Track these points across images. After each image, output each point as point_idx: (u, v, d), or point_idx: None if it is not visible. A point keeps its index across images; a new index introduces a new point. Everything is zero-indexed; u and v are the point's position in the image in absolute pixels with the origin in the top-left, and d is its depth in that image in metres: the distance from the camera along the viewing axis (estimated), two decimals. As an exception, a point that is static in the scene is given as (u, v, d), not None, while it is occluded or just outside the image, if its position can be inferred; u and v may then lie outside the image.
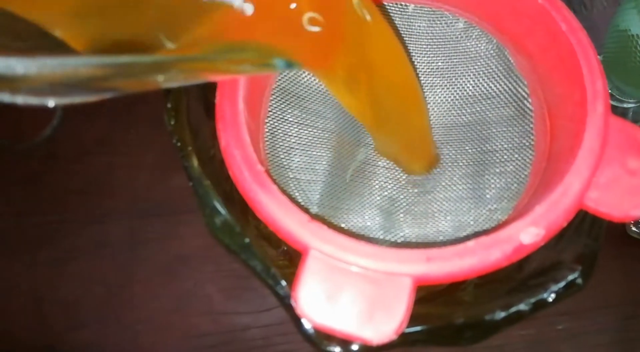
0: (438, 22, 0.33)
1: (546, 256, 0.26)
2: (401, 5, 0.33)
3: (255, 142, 0.27)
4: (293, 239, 0.23)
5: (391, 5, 0.33)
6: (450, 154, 0.34)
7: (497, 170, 0.32)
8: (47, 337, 0.43)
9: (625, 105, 0.48)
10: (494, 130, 0.33)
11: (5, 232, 0.47)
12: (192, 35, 0.19)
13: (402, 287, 0.22)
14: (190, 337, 0.43)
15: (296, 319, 0.24)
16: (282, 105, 0.32)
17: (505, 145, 0.32)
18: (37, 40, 0.17)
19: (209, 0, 0.19)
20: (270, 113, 0.31)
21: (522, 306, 0.25)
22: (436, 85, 0.35)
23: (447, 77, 0.34)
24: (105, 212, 0.47)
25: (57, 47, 0.17)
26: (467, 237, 0.23)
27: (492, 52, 0.32)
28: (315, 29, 0.22)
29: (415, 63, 0.34)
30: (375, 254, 0.22)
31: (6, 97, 0.13)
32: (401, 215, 0.33)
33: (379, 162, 0.35)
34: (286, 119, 0.32)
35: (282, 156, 0.31)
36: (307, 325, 0.25)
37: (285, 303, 0.25)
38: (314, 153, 0.33)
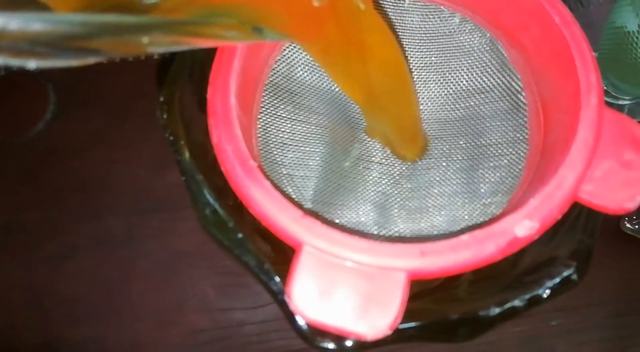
0: (432, 17, 0.33)
1: (541, 252, 0.26)
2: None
3: (248, 138, 0.26)
4: (286, 234, 0.23)
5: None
6: (444, 149, 0.34)
7: (491, 164, 0.32)
8: (46, 333, 0.43)
9: (620, 103, 0.48)
10: (488, 125, 0.33)
11: (4, 228, 0.46)
12: None
13: (397, 282, 0.22)
14: (187, 333, 0.44)
15: (290, 315, 0.24)
16: (275, 101, 0.32)
17: (499, 140, 0.32)
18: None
19: None
20: (263, 109, 0.31)
21: (517, 302, 0.25)
22: (430, 80, 0.35)
23: (441, 71, 0.34)
24: (103, 208, 0.47)
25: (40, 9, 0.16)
26: (462, 232, 0.22)
27: (485, 46, 0.32)
28: (315, 2, 0.22)
29: (409, 58, 0.34)
30: (369, 248, 0.22)
31: None
32: (395, 210, 0.33)
33: (373, 158, 0.35)
34: (279, 115, 0.32)
35: (275, 152, 0.31)
36: (301, 321, 0.24)
37: (279, 299, 0.25)
38: (308, 149, 0.33)
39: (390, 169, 0.34)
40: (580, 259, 0.26)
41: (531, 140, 0.30)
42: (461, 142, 0.34)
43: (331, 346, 0.24)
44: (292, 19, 0.23)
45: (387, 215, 0.33)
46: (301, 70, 0.33)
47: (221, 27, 0.19)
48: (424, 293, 0.26)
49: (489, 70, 0.33)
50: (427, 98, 0.35)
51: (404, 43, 0.34)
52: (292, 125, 0.32)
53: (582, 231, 0.26)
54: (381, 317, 0.21)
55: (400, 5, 0.33)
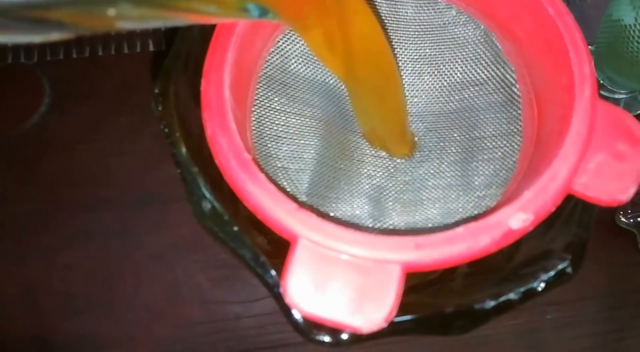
0: (426, 8, 0.33)
1: (536, 245, 0.26)
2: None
3: (242, 131, 0.26)
4: (281, 227, 0.23)
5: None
6: (439, 142, 0.34)
7: (486, 157, 0.32)
8: (38, 327, 0.43)
9: (616, 96, 0.48)
10: (482, 117, 0.33)
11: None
12: None
13: (391, 275, 0.22)
14: (183, 326, 0.43)
15: (285, 309, 0.24)
16: (269, 94, 0.31)
17: (494, 132, 0.32)
18: None
19: None
20: (257, 101, 0.31)
21: (512, 295, 0.25)
22: (424, 73, 0.34)
23: (435, 64, 0.34)
24: (98, 200, 0.47)
25: None
26: (456, 224, 0.22)
27: (479, 38, 0.32)
28: None
29: (403, 50, 0.34)
30: (364, 241, 0.22)
31: None
32: (390, 203, 0.33)
33: (368, 151, 0.35)
34: (273, 108, 0.32)
35: (269, 145, 0.31)
36: (297, 315, 0.24)
37: (275, 292, 0.25)
38: (302, 142, 0.33)
39: (384, 162, 0.34)
40: (575, 252, 0.26)
41: (525, 133, 0.30)
42: (455, 135, 0.34)
43: (327, 339, 0.24)
44: None
45: (381, 208, 0.33)
46: (295, 62, 0.33)
47: (199, 1, 0.18)
48: (419, 286, 0.26)
49: (483, 62, 0.33)
50: (421, 91, 0.35)
51: (398, 35, 0.34)
52: (287, 117, 0.32)
53: (577, 224, 0.26)
54: (376, 310, 0.21)
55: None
